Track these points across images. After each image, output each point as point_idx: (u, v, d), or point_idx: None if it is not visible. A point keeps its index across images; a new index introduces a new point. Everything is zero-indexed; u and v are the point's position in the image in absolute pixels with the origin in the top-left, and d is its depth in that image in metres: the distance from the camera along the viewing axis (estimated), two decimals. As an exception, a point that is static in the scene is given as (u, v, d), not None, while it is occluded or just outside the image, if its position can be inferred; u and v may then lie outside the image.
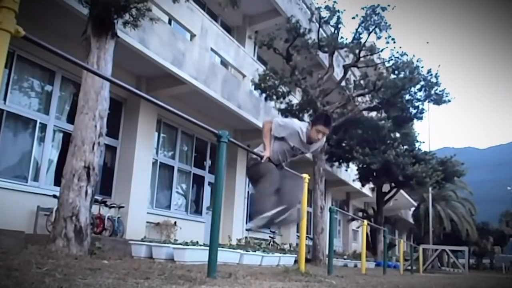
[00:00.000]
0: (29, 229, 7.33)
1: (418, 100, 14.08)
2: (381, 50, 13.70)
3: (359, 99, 14.02)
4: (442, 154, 23.43)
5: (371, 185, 21.09)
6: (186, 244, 7.16)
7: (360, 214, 25.44)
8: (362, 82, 13.72)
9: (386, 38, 12.58)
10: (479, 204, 39.56)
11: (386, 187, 20.16)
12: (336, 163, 17.67)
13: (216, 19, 12.95)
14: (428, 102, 14.19)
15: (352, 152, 16.18)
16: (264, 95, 12.43)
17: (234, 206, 13.15)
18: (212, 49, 11.30)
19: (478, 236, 36.47)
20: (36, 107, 8.28)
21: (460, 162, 22.76)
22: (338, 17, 12.54)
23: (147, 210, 10.19)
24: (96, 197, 6.45)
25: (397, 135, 18.39)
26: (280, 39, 12.30)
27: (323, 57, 14.81)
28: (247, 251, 8.71)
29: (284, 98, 12.72)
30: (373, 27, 12.37)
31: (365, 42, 12.71)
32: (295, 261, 9.37)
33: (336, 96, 14.28)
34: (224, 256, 6.96)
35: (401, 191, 22.27)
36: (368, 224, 10.56)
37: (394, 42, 12.79)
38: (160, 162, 11.16)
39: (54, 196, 6.83)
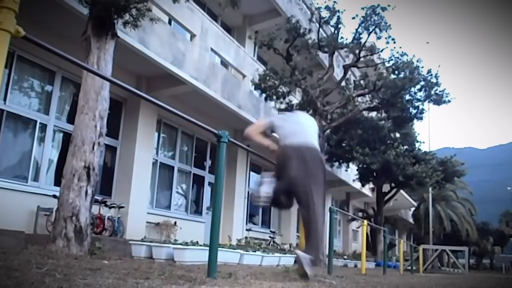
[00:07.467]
0: (29, 229, 7.33)
1: (418, 100, 14.11)
2: (381, 50, 13.73)
3: (359, 99, 14.03)
4: (442, 154, 23.43)
5: (371, 185, 21.08)
6: (186, 244, 7.15)
7: (360, 214, 25.43)
8: (362, 82, 13.72)
9: (386, 38, 12.63)
10: (479, 204, 39.57)
11: (386, 187, 20.16)
12: (336, 163, 17.66)
13: (216, 19, 12.95)
14: (428, 102, 14.23)
15: (352, 152, 16.18)
16: (264, 95, 12.44)
17: (234, 206, 13.14)
18: (212, 49, 11.29)
19: (478, 236, 36.49)
20: (36, 107, 8.28)
21: (460, 162, 22.78)
22: (338, 17, 12.56)
23: (147, 210, 10.19)
24: (96, 197, 6.44)
25: (397, 135, 18.41)
26: (280, 39, 12.30)
27: (323, 57, 14.82)
28: (247, 251, 8.70)
29: (284, 98, 12.72)
30: (373, 27, 12.39)
31: (365, 42, 12.73)
32: (295, 261, 9.35)
33: (336, 96, 14.28)
34: (224, 256, 6.95)
35: (401, 191, 22.27)
36: (368, 224, 10.53)
37: (394, 42, 12.83)
38: (160, 162, 11.16)
39: (54, 196, 6.82)
